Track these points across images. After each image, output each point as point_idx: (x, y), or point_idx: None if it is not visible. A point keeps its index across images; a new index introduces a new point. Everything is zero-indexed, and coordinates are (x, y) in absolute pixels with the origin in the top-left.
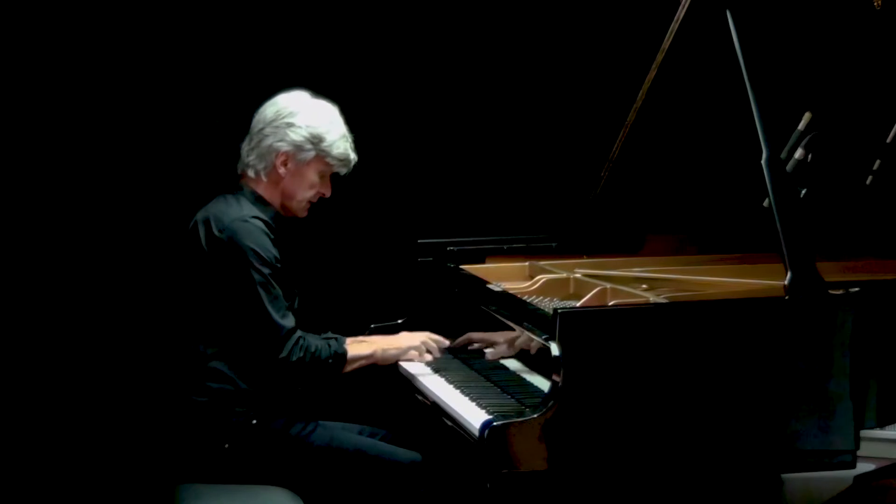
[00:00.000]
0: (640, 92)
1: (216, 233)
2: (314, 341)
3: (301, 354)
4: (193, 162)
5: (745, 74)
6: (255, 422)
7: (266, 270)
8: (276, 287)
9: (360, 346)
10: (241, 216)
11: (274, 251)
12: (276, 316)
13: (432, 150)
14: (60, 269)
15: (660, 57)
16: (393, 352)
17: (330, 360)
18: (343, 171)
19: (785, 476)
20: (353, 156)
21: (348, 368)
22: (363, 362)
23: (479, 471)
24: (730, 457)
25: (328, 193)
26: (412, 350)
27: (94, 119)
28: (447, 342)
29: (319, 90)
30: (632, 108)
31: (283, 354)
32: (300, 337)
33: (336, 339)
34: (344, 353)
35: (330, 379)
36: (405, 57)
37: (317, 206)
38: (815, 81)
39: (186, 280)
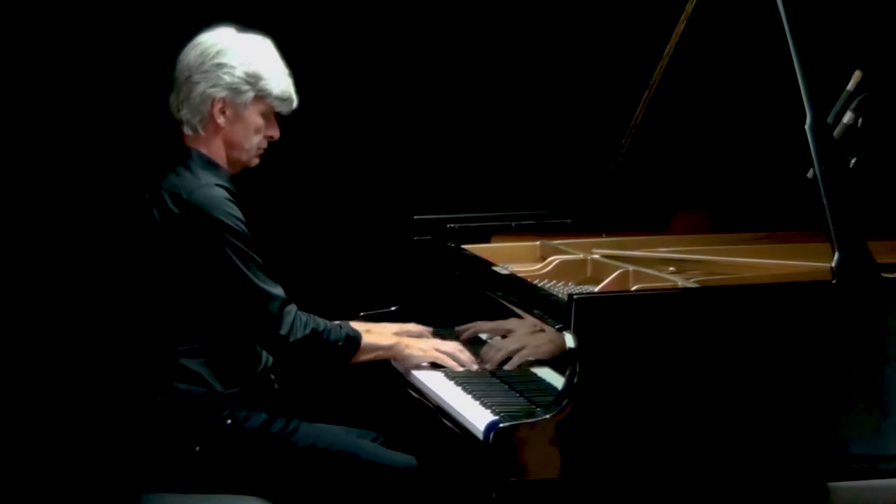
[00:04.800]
0: (667, 48)
1: (175, 210)
2: (322, 321)
3: (306, 332)
4: (131, 131)
5: (787, 27)
6: (229, 423)
7: (240, 243)
8: (256, 255)
9: (377, 336)
10: (199, 186)
11: (242, 218)
12: (264, 286)
13: (431, 114)
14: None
15: (689, 7)
16: (416, 353)
17: (340, 344)
18: (284, 110)
19: (832, 485)
20: (294, 94)
21: (361, 358)
22: (380, 354)
23: (483, 478)
24: (769, 463)
25: (277, 135)
26: (440, 356)
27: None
28: (475, 365)
29: (305, 49)
30: (657, 67)
31: (283, 332)
32: (298, 311)
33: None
34: (357, 339)
35: (336, 365)
36: (402, 13)
37: (300, 177)
38: (866, 35)
39: (143, 267)
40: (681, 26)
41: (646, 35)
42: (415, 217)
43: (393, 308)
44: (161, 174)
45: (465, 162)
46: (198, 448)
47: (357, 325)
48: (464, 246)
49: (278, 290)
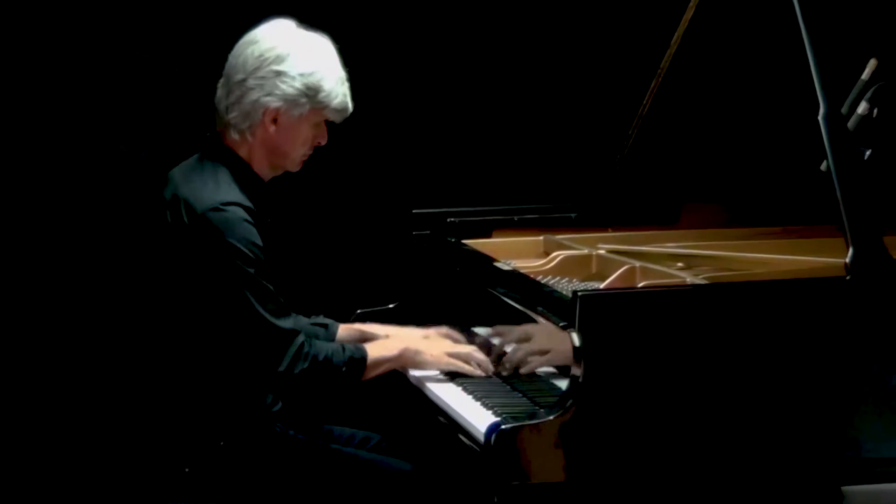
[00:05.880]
0: (675, 35)
1: (185, 220)
2: (323, 346)
3: (305, 365)
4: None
5: (800, 14)
6: (222, 444)
7: (251, 269)
8: (267, 284)
9: (381, 346)
10: (215, 203)
11: (258, 242)
12: (270, 318)
13: (429, 106)
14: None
15: None
16: (428, 359)
17: (344, 368)
18: (338, 119)
19: (845, 489)
20: (350, 103)
21: (370, 375)
22: (388, 366)
23: (485, 482)
24: (781, 465)
25: (325, 141)
26: (456, 363)
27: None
28: (492, 367)
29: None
30: (665, 55)
31: (283, 367)
32: (304, 343)
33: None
34: (363, 359)
35: (345, 389)
36: (400, 6)
37: (297, 171)
38: (881, 23)
39: (148, 276)
40: (689, 13)
41: (653, 22)
42: (414, 211)
43: (391, 305)
44: (185, 175)
45: (465, 154)
46: (187, 469)
47: (375, 329)
48: (464, 241)
49: (285, 323)
